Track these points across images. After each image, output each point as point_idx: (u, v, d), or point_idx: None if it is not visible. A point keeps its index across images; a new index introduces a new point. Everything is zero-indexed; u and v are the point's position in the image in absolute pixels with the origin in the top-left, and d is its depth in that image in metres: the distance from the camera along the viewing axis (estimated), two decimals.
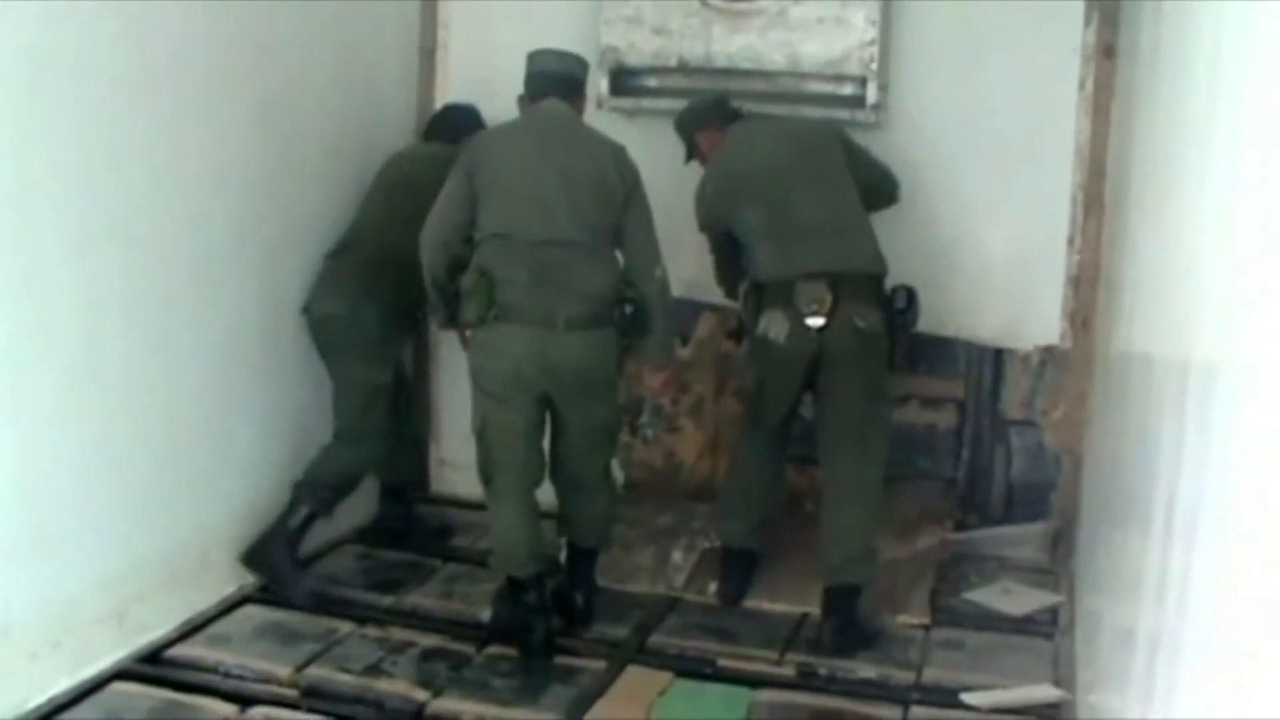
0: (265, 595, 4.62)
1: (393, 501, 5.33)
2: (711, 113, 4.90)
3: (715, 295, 5.12)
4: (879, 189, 4.79)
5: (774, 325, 4.41)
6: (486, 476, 4.36)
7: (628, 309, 4.33)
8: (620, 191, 4.37)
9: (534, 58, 4.53)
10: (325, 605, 4.57)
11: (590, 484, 4.55)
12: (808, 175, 4.64)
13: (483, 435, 4.31)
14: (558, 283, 4.21)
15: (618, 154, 4.42)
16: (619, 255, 4.43)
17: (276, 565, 4.63)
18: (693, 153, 4.92)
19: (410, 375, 5.44)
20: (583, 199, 4.30)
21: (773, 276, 4.47)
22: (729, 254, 4.76)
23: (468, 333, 4.39)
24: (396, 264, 4.62)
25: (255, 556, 4.64)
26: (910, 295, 4.55)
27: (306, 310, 4.81)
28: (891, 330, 4.49)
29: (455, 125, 5.18)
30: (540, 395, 4.30)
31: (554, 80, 4.47)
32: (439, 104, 5.73)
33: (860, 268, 4.48)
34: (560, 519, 4.63)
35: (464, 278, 4.28)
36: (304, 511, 4.69)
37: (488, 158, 4.36)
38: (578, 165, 4.34)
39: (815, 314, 4.36)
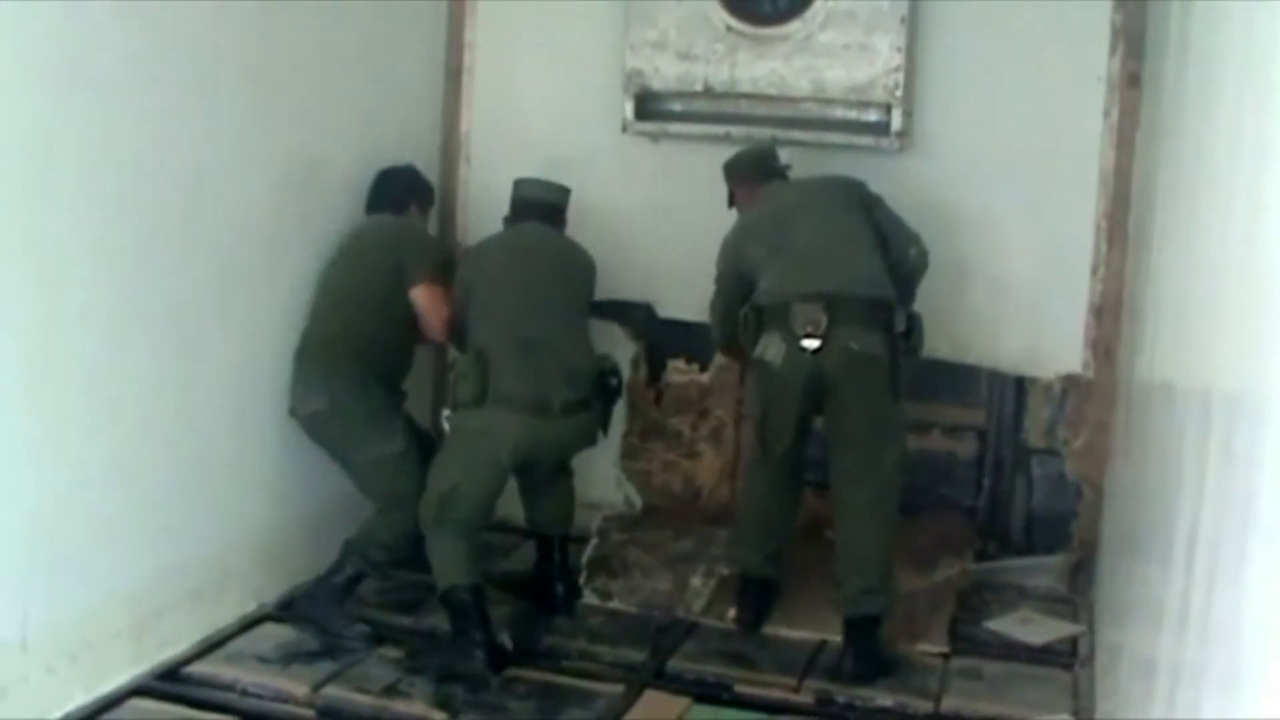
0: (285, 614, 4.62)
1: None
2: (752, 170, 4.95)
3: None
4: (902, 249, 4.68)
5: (770, 348, 4.41)
6: (439, 520, 4.49)
7: (613, 381, 4.80)
8: (590, 283, 4.93)
9: (519, 185, 5.02)
10: (379, 641, 4.51)
11: (552, 485, 4.93)
12: (811, 209, 4.68)
13: (449, 497, 4.49)
14: (546, 360, 4.58)
15: (588, 256, 4.93)
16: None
17: (322, 620, 4.53)
18: (733, 200, 4.98)
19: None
20: (557, 287, 4.78)
21: (770, 300, 4.48)
22: (734, 300, 4.72)
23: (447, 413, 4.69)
24: (360, 345, 4.71)
25: (300, 611, 4.61)
26: (911, 319, 4.54)
27: (292, 412, 4.71)
28: (894, 355, 4.47)
29: (396, 189, 5.10)
30: (517, 468, 4.67)
31: (535, 206, 4.94)
32: (465, 124, 5.75)
33: (859, 291, 4.46)
34: (529, 517, 5.00)
35: (459, 360, 4.67)
36: (349, 571, 4.61)
37: (476, 266, 4.83)
38: (552, 260, 4.85)
39: (810, 336, 4.35)
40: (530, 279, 4.74)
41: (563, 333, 4.71)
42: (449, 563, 4.48)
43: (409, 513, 4.60)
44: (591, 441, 4.82)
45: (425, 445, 4.88)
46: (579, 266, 4.91)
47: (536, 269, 4.79)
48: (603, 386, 4.75)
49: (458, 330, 4.82)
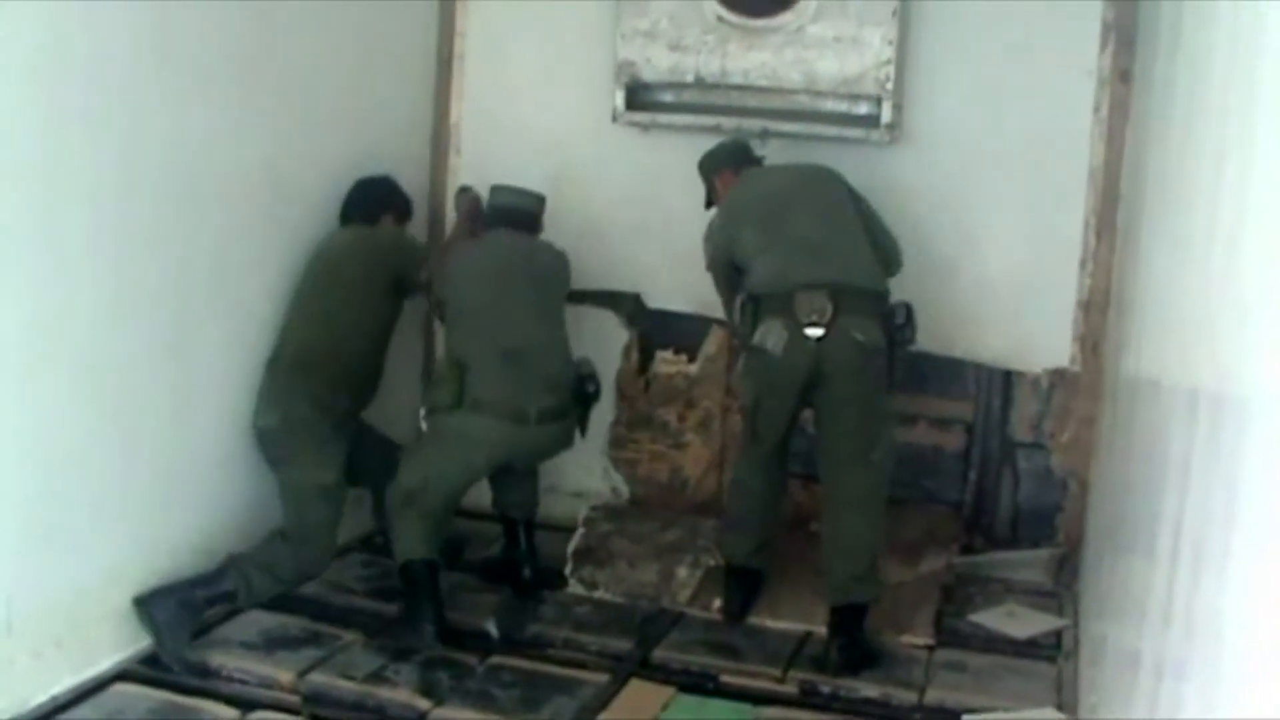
0: (271, 601, 4.60)
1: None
2: (730, 158, 4.96)
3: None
4: (887, 256, 4.70)
5: (771, 335, 4.38)
6: (405, 505, 4.58)
7: (590, 387, 4.84)
8: (564, 282, 4.96)
9: (495, 192, 5.05)
10: (202, 675, 4.13)
11: (521, 477, 5.00)
12: (805, 198, 4.67)
13: (417, 492, 4.58)
14: (525, 369, 4.65)
15: (562, 257, 4.96)
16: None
17: (159, 622, 4.14)
18: (712, 197, 4.96)
19: (380, 432, 5.00)
20: (532, 294, 4.81)
21: (770, 288, 4.46)
22: (734, 287, 4.75)
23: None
24: (324, 364, 4.64)
25: (144, 603, 4.15)
26: (909, 311, 4.54)
27: (253, 424, 4.65)
28: (890, 347, 4.48)
29: (371, 201, 5.05)
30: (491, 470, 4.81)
31: (510, 214, 4.97)
32: (455, 114, 5.74)
33: (859, 282, 4.47)
34: (496, 500, 5.04)
35: (437, 364, 4.76)
36: (225, 587, 4.36)
37: (453, 278, 4.80)
38: (525, 267, 4.86)
39: (814, 324, 4.34)
40: (505, 288, 4.78)
41: (541, 340, 4.76)
42: (409, 538, 4.56)
43: (307, 553, 4.55)
44: (567, 445, 4.89)
45: (387, 451, 4.87)
46: (552, 269, 4.95)
47: (512, 277, 4.82)
48: (580, 392, 4.81)
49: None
